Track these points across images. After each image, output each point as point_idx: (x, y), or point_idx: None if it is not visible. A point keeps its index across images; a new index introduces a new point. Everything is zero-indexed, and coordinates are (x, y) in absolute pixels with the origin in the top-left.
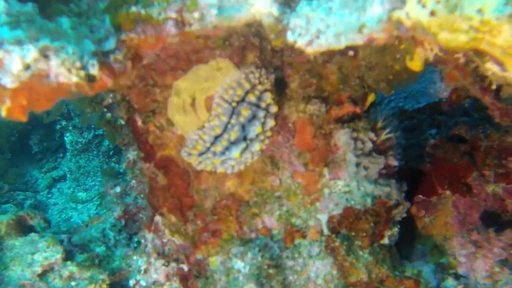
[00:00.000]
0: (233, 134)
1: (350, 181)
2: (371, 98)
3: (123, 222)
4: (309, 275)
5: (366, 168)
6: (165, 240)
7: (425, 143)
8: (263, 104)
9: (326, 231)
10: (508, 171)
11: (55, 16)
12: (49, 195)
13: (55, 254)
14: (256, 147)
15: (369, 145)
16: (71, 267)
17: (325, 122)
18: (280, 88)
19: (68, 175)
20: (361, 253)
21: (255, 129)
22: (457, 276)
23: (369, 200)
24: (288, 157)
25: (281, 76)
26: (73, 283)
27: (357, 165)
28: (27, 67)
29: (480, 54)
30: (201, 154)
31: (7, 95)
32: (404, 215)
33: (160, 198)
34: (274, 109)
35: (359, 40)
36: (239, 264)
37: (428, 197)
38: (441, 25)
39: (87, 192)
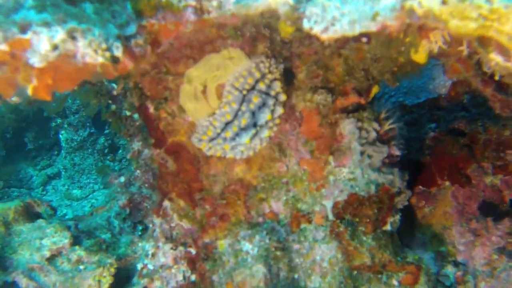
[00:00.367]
0: (244, 120)
1: (354, 169)
2: (375, 89)
3: (127, 210)
4: (315, 258)
5: (370, 157)
6: (173, 225)
7: (425, 136)
8: (272, 93)
9: (331, 216)
10: (506, 163)
11: (79, 2)
12: (44, 192)
13: (63, 239)
14: (265, 133)
15: (373, 135)
16: (79, 251)
17: (331, 111)
18: (288, 78)
19: (63, 173)
20: (364, 238)
21: (265, 116)
22: (456, 264)
23: (373, 187)
24: (295, 144)
25: (290, 67)
26: (81, 267)
27: (362, 153)
28: (55, 47)
29: (484, 44)
30: (211, 140)
31: (34, 74)
32: (406, 203)
33: (169, 183)
34: (283, 97)
35: (372, 27)
36: (247, 246)
37: (428, 188)
38: (451, 13)
39: (81, 190)
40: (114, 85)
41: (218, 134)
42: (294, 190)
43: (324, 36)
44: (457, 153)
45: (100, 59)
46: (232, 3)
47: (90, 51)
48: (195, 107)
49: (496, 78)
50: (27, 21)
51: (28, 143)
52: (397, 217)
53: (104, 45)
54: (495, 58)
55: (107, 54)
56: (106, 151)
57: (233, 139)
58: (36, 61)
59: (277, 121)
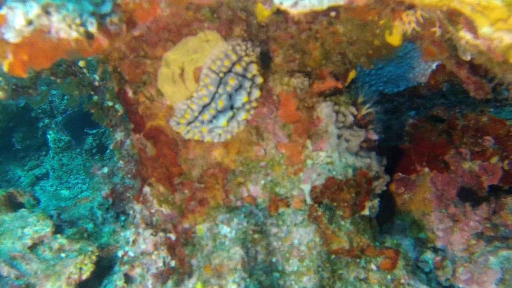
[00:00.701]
0: (220, 103)
1: (332, 153)
2: (352, 74)
3: (110, 200)
4: (293, 241)
5: (347, 141)
6: (153, 211)
7: (404, 123)
8: (249, 75)
9: (309, 200)
10: (484, 149)
11: None
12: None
13: (44, 228)
14: (242, 116)
15: (350, 119)
16: (61, 240)
17: (308, 95)
18: (265, 62)
19: (51, 173)
20: (342, 222)
21: (241, 98)
22: (435, 250)
23: (350, 171)
24: (273, 128)
25: (266, 50)
26: (62, 255)
27: (339, 137)
28: (29, 22)
29: (454, 21)
30: (189, 123)
31: (9, 50)
32: (384, 188)
33: (149, 169)
34: (259, 80)
35: (340, 1)
36: (225, 229)
37: (407, 175)
38: None
39: (70, 190)
40: (95, 76)
41: (196, 117)
42: (272, 174)
43: (294, 11)
44: (436, 139)
45: (74, 34)
46: None
47: (64, 26)
48: (173, 91)
49: (468, 58)
50: None
51: (16, 144)
52: (376, 202)
53: (78, 20)
54: (464, 36)
55: (81, 29)
56: (94, 151)
57: (210, 121)
58: (11, 36)
59: (254, 103)
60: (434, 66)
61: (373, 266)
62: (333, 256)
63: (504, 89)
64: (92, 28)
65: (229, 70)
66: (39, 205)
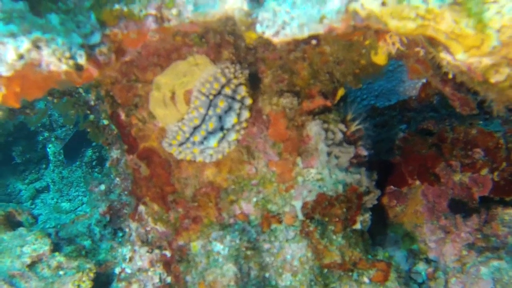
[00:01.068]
0: (211, 124)
1: (322, 169)
2: (340, 92)
3: (108, 217)
4: (285, 257)
5: (337, 157)
6: (148, 228)
7: (395, 137)
8: (238, 97)
9: (300, 216)
10: (474, 161)
11: (44, 13)
12: (33, 206)
13: (43, 246)
14: (233, 136)
15: (340, 136)
16: (59, 258)
17: (297, 114)
18: (254, 83)
19: (51, 186)
20: (334, 237)
21: (231, 120)
22: (427, 261)
23: (340, 187)
24: (263, 147)
25: (255, 72)
26: (61, 272)
27: (329, 154)
28: (20, 56)
29: (433, 43)
30: (181, 144)
31: (2, 83)
32: (375, 202)
33: (143, 188)
34: (248, 101)
35: (320, 29)
36: (218, 246)
37: (399, 188)
38: (391, 14)
39: (70, 202)
40: (91, 96)
41: (187, 139)
42: (264, 191)
43: (276, 40)
44: (426, 152)
45: (64, 67)
46: (191, 12)
47: (54, 60)
48: (164, 113)
49: (450, 76)
50: None
51: (16, 157)
52: (367, 216)
53: (67, 54)
54: (445, 57)
55: (71, 62)
56: (94, 163)
57: (201, 143)
58: (3, 70)
59: (244, 124)
60: (424, 80)
61: (365, 279)
62: (325, 270)
63: (487, 106)
64: (81, 60)
65: (219, 93)
66: (37, 223)
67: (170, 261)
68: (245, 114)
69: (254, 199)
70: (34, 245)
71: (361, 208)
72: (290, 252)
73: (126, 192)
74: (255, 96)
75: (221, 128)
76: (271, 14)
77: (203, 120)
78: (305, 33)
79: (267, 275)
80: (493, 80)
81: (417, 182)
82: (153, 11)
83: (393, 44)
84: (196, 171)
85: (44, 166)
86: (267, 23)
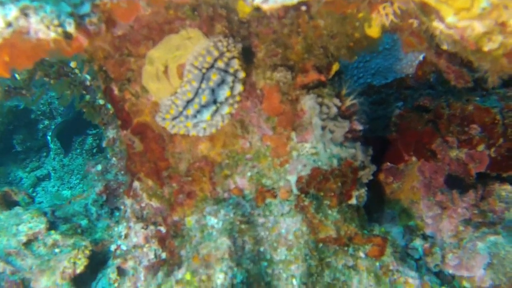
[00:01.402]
0: (204, 98)
1: (316, 144)
2: (335, 67)
3: (104, 197)
4: (280, 231)
5: (331, 132)
6: (143, 204)
7: (392, 114)
8: (231, 70)
9: (295, 191)
10: (470, 137)
11: None
12: (34, 194)
13: (39, 225)
14: (226, 110)
15: (334, 110)
16: (55, 236)
17: (291, 88)
18: (247, 57)
19: (52, 174)
20: (329, 211)
21: (224, 93)
22: (424, 237)
23: (335, 161)
24: (257, 121)
25: (249, 46)
26: (56, 250)
27: (323, 128)
28: (8, 24)
29: (426, 11)
30: (174, 118)
31: None
32: (371, 177)
33: (137, 164)
34: (241, 74)
35: None
36: (212, 220)
37: (396, 164)
38: None
39: (71, 190)
40: (87, 76)
41: (180, 112)
42: (258, 166)
43: (265, 6)
44: (422, 128)
45: (53, 35)
46: None
47: (43, 27)
48: (157, 87)
49: (444, 48)
50: None
51: (16, 146)
52: (363, 191)
53: (56, 21)
54: (438, 26)
55: (59, 29)
56: (94, 150)
57: (194, 116)
58: None
59: (237, 98)
60: (421, 57)
61: (361, 254)
62: (320, 245)
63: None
64: (70, 28)
65: (212, 66)
66: (33, 203)
67: (165, 237)
68: (238, 87)
69: (249, 174)
70: (30, 223)
71: (357, 183)
72: (285, 227)
73: (122, 172)
74: (249, 70)
75: (214, 102)
76: None
77: (196, 94)
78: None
79: (261, 249)
80: (486, 48)
81: (414, 159)
82: None
83: (387, 15)
84: (190, 145)
85: (44, 154)
86: None
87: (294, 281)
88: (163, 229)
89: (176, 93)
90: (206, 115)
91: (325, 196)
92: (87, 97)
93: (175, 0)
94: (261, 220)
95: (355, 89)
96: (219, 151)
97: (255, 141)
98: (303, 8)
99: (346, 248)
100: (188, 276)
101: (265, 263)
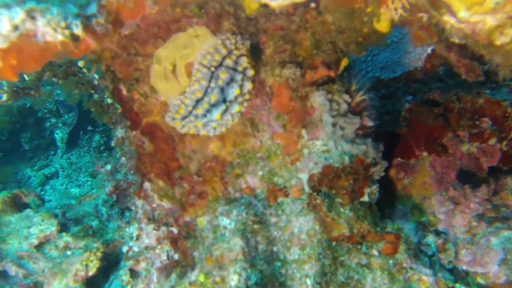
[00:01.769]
0: (213, 96)
1: (327, 141)
2: (344, 62)
3: (114, 197)
4: (293, 230)
5: (342, 128)
6: (154, 205)
7: (401, 108)
8: (240, 68)
9: (307, 189)
10: (481, 131)
11: None
12: (42, 193)
13: (50, 227)
14: (236, 108)
15: (344, 106)
16: (66, 238)
17: (300, 85)
18: (256, 54)
19: (60, 172)
20: (342, 209)
21: (233, 91)
22: (437, 233)
23: (346, 159)
24: (267, 119)
25: (257, 43)
26: (68, 252)
27: (334, 125)
28: (15, 27)
29: (436, 6)
30: (184, 118)
31: None
32: (383, 174)
33: (147, 164)
34: (250, 72)
35: None
36: (225, 221)
37: (406, 160)
38: None
39: (80, 188)
40: (95, 75)
41: (190, 112)
42: (269, 164)
43: (274, 4)
44: (432, 123)
45: (60, 37)
46: None
47: (50, 30)
48: (166, 87)
49: (455, 41)
50: None
51: (24, 144)
52: (374, 188)
53: (63, 23)
54: (449, 20)
55: (67, 32)
56: (102, 148)
57: (204, 115)
58: None
59: (247, 96)
60: (429, 50)
61: (374, 252)
62: (333, 243)
63: (493, 71)
64: (78, 30)
65: (220, 64)
66: (43, 205)
67: (177, 238)
68: (248, 85)
69: (260, 173)
70: (41, 226)
71: (368, 180)
72: (298, 226)
73: (132, 171)
74: (257, 67)
75: (224, 101)
76: None
77: (205, 93)
78: None
79: (275, 249)
80: (498, 42)
81: (425, 154)
82: None
83: (396, 10)
84: (200, 145)
85: (52, 152)
86: None
87: (308, 281)
88: (175, 230)
89: (185, 93)
90: (216, 114)
91: (337, 194)
92: (95, 96)
93: None
94: (273, 219)
95: (364, 84)
96: (230, 150)
97: (265, 140)
98: (313, 5)
99: (359, 246)
100: (201, 278)
101: (279, 263)
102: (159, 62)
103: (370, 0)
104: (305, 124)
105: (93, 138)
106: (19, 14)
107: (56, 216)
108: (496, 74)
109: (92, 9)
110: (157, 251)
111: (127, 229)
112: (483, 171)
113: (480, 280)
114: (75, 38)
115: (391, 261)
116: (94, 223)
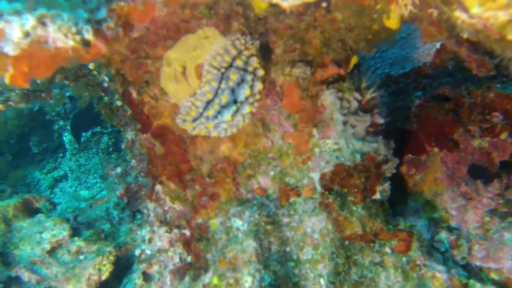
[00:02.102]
0: (224, 98)
1: (338, 139)
2: (354, 60)
3: (125, 200)
4: (306, 230)
5: (353, 126)
6: (166, 208)
7: (411, 104)
8: (250, 68)
9: (319, 188)
10: (493, 125)
11: None
12: (52, 195)
13: (62, 232)
14: (246, 109)
15: (355, 104)
16: (78, 242)
17: (311, 84)
18: (265, 54)
19: (69, 174)
20: (354, 208)
21: (244, 92)
22: (450, 229)
23: (358, 157)
24: (278, 119)
25: (266, 42)
26: (81, 257)
27: (344, 123)
28: (26, 34)
29: (446, 2)
30: (194, 119)
31: (9, 63)
32: (394, 171)
33: (159, 167)
34: (261, 72)
35: None
36: (237, 222)
37: (417, 156)
38: None
39: (89, 190)
40: (105, 77)
41: (201, 114)
42: (280, 164)
43: (285, 4)
44: (443, 118)
45: (71, 43)
46: None
47: (61, 36)
48: (176, 89)
49: (465, 36)
50: None
51: (33, 147)
52: (386, 185)
53: (73, 29)
54: (460, 16)
55: (78, 37)
56: (110, 149)
57: (215, 117)
58: (10, 49)
59: (258, 96)
60: (438, 45)
61: (387, 250)
62: (346, 242)
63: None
64: (88, 35)
65: (230, 65)
66: (55, 210)
67: (190, 240)
68: (258, 85)
69: (272, 173)
70: (53, 230)
71: (380, 178)
72: (310, 225)
73: (142, 174)
74: (267, 67)
75: (235, 101)
76: None
77: (215, 94)
78: None
79: (288, 249)
80: (510, 36)
81: (436, 149)
82: None
83: (405, 6)
84: (211, 146)
85: (61, 155)
86: None
87: (322, 281)
88: (187, 232)
89: (196, 94)
90: (227, 115)
91: (349, 192)
92: (105, 98)
93: (191, 0)
94: (286, 219)
95: (374, 82)
96: (241, 151)
97: (276, 140)
98: (324, 4)
99: (372, 245)
100: (215, 280)
101: (292, 264)
102: (169, 64)
103: None
104: (316, 123)
105: (101, 139)
106: (30, 21)
107: (68, 220)
108: (507, 68)
109: (102, 13)
110: (169, 253)
111: (139, 232)
112: (494, 165)
113: (494, 276)
114: (86, 43)
115: (404, 259)
116: (106, 227)
